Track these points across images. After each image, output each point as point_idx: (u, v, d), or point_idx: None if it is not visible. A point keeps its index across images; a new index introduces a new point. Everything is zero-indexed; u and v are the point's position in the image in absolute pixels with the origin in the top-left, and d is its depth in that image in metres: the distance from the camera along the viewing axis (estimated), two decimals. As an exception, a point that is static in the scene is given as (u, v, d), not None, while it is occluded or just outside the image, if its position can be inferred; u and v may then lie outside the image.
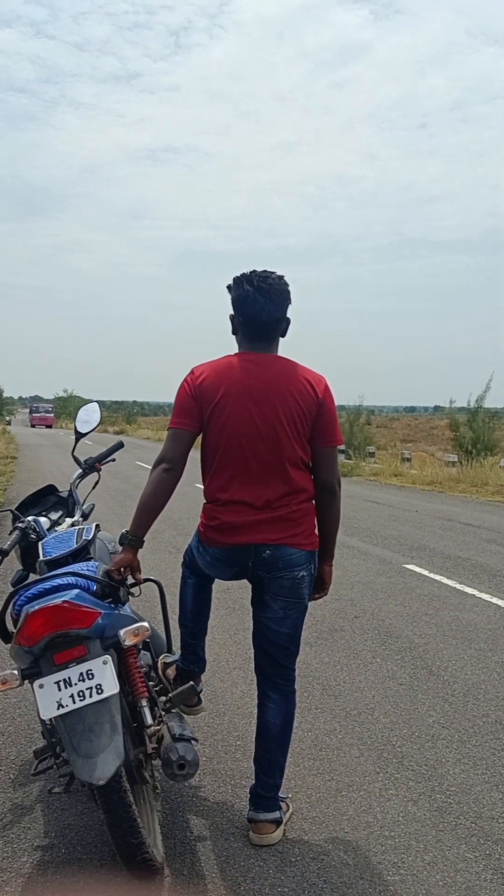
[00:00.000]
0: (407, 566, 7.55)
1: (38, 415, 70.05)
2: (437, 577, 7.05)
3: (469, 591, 6.56)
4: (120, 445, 3.53)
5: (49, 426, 65.83)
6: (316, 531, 2.76)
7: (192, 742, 2.56)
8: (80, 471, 3.47)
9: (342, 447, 13.55)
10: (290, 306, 2.73)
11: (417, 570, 7.39)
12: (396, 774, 3.23)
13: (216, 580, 2.94)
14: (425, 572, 7.28)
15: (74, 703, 2.23)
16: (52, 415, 70.48)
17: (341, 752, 3.44)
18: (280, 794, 2.82)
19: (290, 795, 2.99)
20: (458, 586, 6.71)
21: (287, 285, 2.71)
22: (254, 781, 2.82)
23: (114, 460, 3.60)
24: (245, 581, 2.82)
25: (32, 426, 67.54)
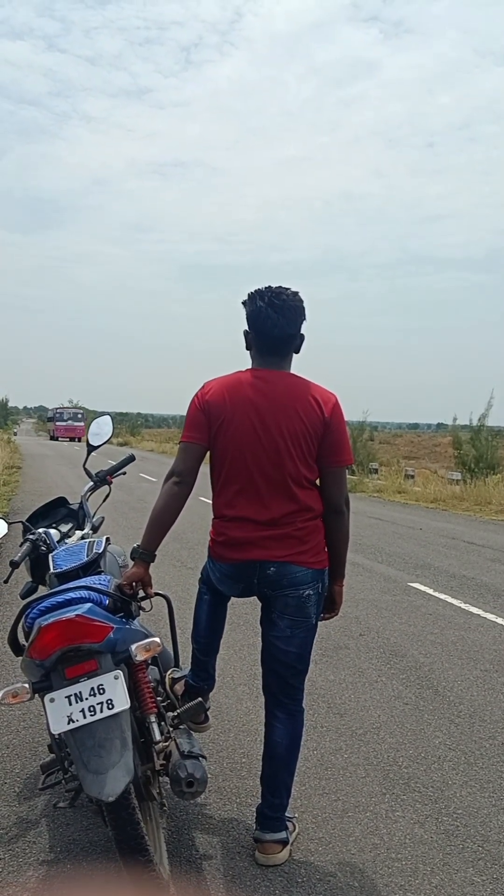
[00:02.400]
0: (412, 584, 7.53)
1: (63, 424, 55.55)
2: (442, 596, 7.03)
3: (474, 610, 6.53)
4: (131, 459, 3.53)
5: (77, 439, 51.83)
6: (324, 549, 2.75)
7: (201, 759, 2.55)
8: (91, 483, 3.46)
9: (347, 463, 13.51)
10: (304, 323, 2.73)
11: (422, 588, 7.37)
12: (403, 796, 3.21)
13: (231, 598, 2.93)
14: (430, 591, 7.26)
15: (85, 717, 2.22)
16: (81, 424, 54.28)
17: (347, 771, 3.42)
18: (286, 814, 2.81)
19: (296, 815, 2.97)
20: (463, 605, 6.69)
21: (301, 302, 2.71)
22: (260, 801, 2.80)
23: (124, 473, 3.60)
24: (251, 596, 2.82)
25: (54, 438, 55.03)
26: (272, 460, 2.61)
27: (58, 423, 56.31)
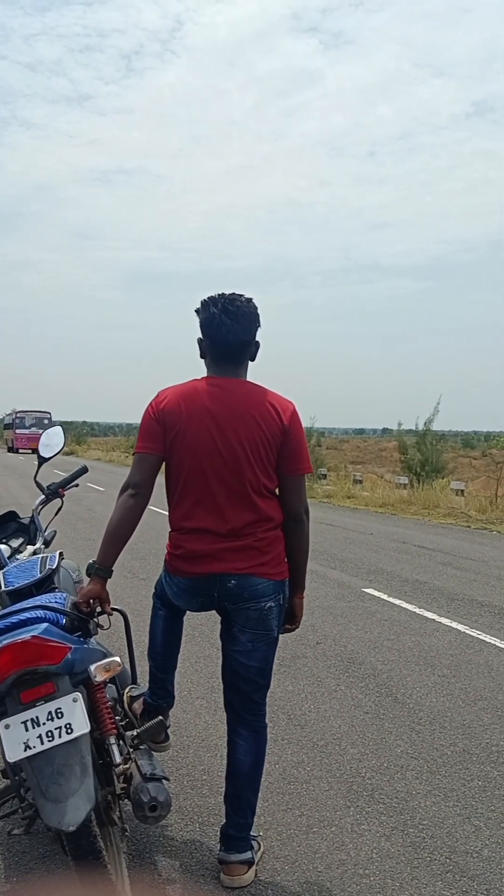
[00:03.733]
0: (366, 590, 7.52)
1: (26, 432, 44.59)
2: (397, 602, 7.04)
3: (429, 615, 6.55)
4: (84, 470, 3.43)
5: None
6: (285, 560, 2.69)
7: (164, 781, 2.46)
8: (43, 496, 3.35)
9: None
10: (259, 330, 2.68)
11: (376, 594, 7.37)
12: (368, 808, 3.16)
13: (188, 612, 2.85)
14: (384, 596, 7.26)
15: (43, 743, 2.11)
16: (33, 433, 43.01)
17: (310, 785, 3.36)
18: (251, 833, 2.73)
19: (260, 833, 2.90)
20: (417, 611, 6.70)
21: (256, 308, 2.66)
22: (224, 820, 2.72)
23: (77, 485, 3.49)
24: (210, 610, 2.74)
25: (13, 450, 45.57)
26: (231, 469, 2.54)
27: (18, 432, 45.82)
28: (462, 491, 17.48)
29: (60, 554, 2.92)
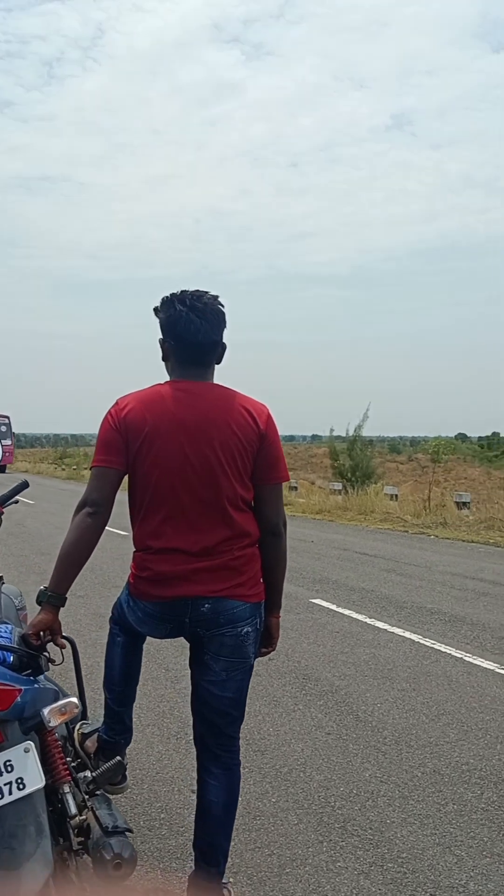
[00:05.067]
0: (314, 601, 7.33)
1: None
2: (346, 612, 6.86)
3: (380, 625, 6.39)
4: (24, 485, 3.11)
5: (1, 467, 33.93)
6: (261, 581, 2.45)
7: (127, 834, 2.18)
8: (-21, 515, 3.01)
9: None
10: (225, 330, 2.44)
11: (325, 604, 7.18)
12: (342, 842, 2.94)
13: (148, 638, 2.57)
14: (333, 607, 7.07)
15: (-10, 803, 1.82)
16: (7, 443, 35.50)
17: (278, 818, 3.11)
18: (222, 881, 2.47)
19: (231, 880, 2.63)
20: (368, 621, 6.54)
21: (222, 306, 2.42)
22: (193, 867, 2.46)
23: (16, 502, 3.18)
24: (179, 637, 2.48)
25: None
26: (205, 481, 2.29)
27: None
28: (395, 496, 17.55)
29: (0, 578, 2.62)
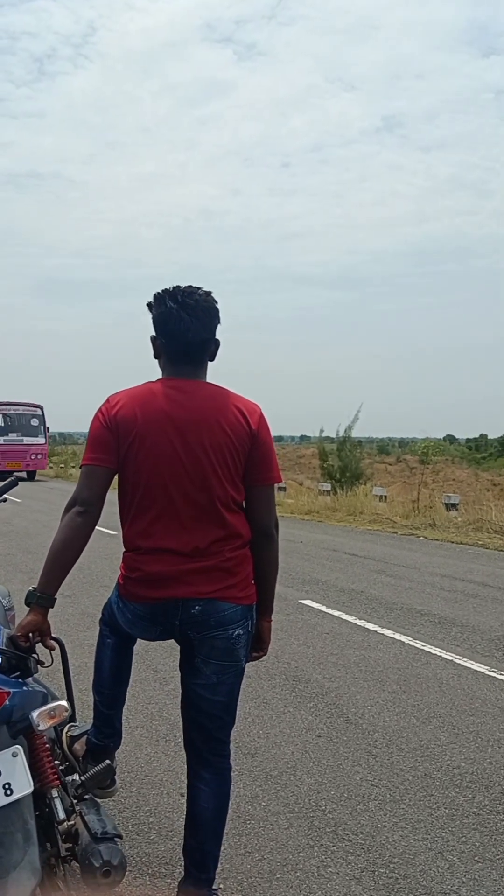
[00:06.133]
0: (303, 602, 7.30)
1: (5, 443, 28.41)
2: (336, 613, 6.83)
3: (370, 626, 6.36)
4: (14, 483, 3.06)
5: (29, 471, 28.92)
6: (252, 582, 2.41)
7: (116, 840, 2.14)
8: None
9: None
10: (219, 326, 2.40)
11: (314, 605, 7.15)
12: (332, 847, 2.90)
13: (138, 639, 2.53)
14: (323, 608, 7.04)
15: (-24, 810, 1.78)
16: (41, 441, 29.66)
17: (268, 822, 3.08)
18: (212, 888, 2.43)
19: (221, 886, 2.59)
20: (358, 622, 6.51)
21: (215, 303, 2.38)
22: (183, 874, 2.42)
23: (5, 500, 3.13)
24: (169, 639, 2.43)
25: None
26: (195, 481, 2.25)
27: None
28: (384, 497, 17.55)
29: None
